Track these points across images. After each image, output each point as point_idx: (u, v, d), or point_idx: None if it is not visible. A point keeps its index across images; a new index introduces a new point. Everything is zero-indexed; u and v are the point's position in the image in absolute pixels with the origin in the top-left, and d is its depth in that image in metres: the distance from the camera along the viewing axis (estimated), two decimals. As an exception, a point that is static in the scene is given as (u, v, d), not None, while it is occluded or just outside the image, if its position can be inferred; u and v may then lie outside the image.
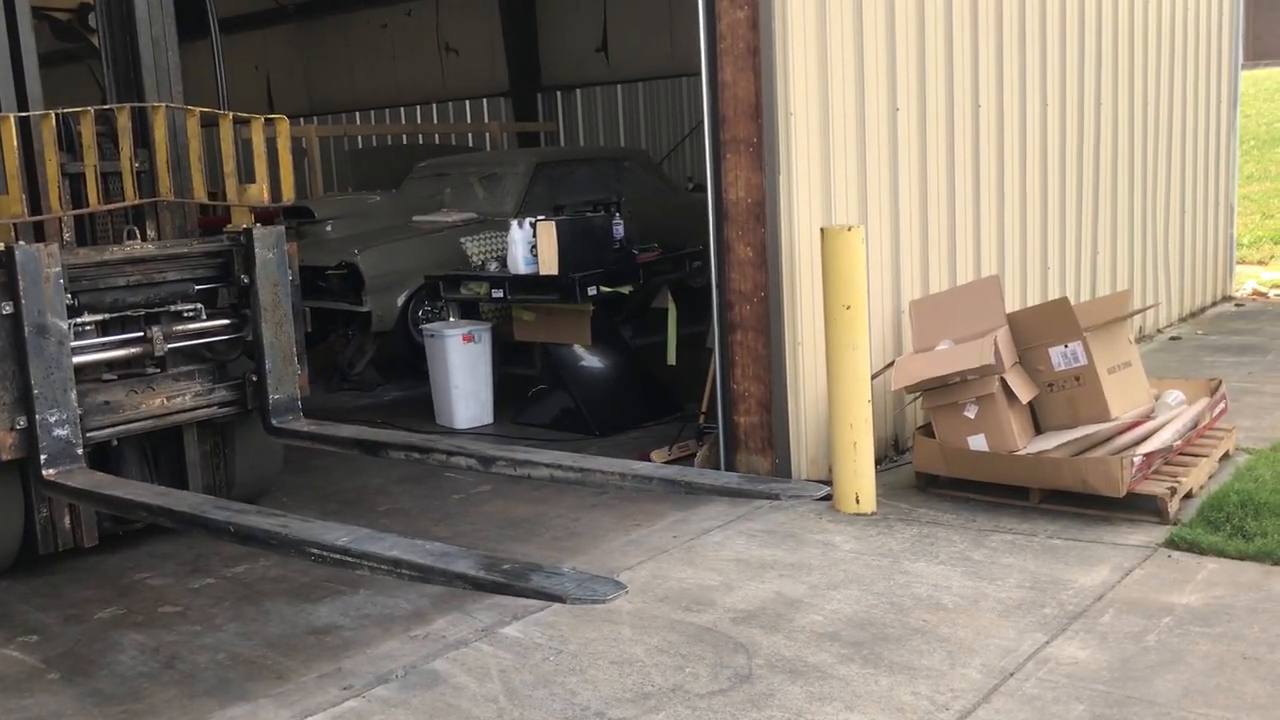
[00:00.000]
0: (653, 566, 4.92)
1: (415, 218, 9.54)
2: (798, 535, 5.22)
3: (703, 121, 5.91)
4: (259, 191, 5.45)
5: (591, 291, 7.22)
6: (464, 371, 7.74)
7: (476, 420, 7.77)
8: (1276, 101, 21.82)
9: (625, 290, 7.56)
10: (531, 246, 7.32)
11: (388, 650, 4.23)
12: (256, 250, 5.39)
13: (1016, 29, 7.36)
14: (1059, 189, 8.03)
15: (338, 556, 3.60)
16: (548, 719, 3.65)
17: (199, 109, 5.42)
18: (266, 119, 5.40)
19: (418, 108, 16.64)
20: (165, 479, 5.48)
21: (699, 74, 5.88)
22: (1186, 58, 10.04)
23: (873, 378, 5.72)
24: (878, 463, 6.02)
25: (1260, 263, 13.70)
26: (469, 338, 7.73)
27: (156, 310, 5.29)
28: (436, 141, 14.91)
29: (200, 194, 5.52)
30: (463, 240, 9.04)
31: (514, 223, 7.53)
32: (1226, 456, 5.96)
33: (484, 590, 3.45)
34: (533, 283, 7.35)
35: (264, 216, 5.83)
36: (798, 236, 5.75)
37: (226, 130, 5.41)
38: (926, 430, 5.83)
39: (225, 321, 5.52)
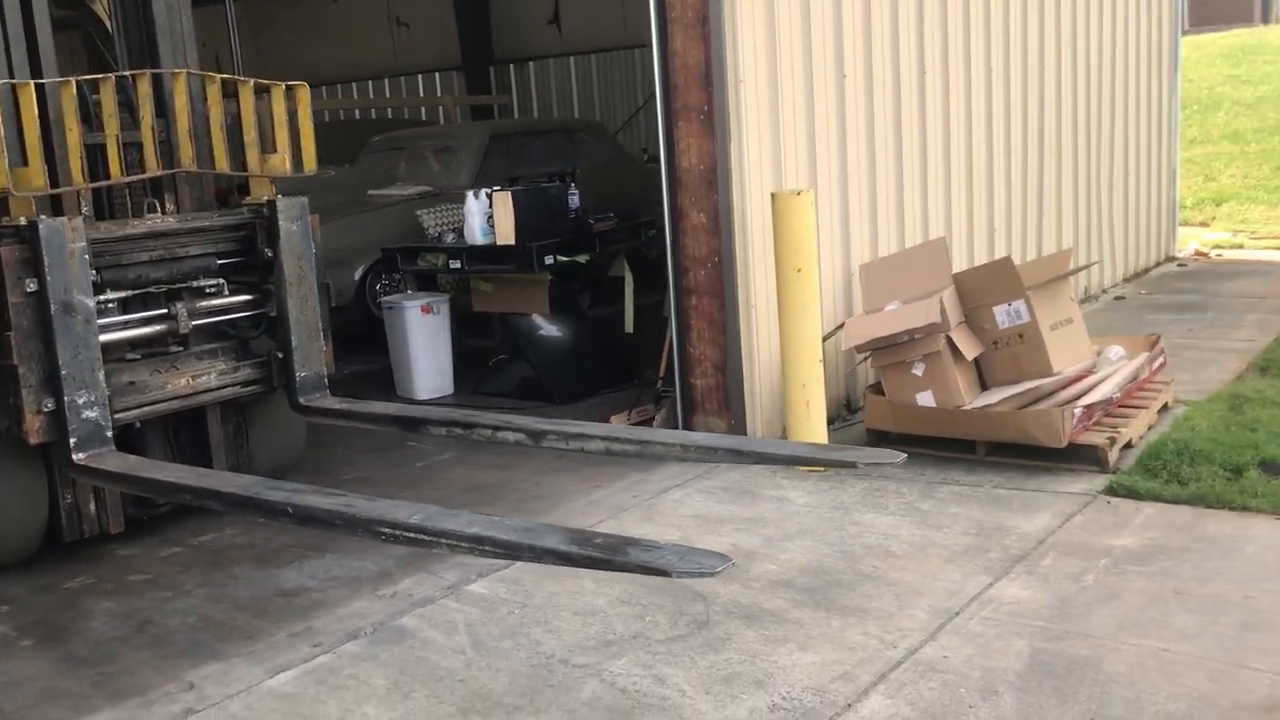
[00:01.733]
0: (613, 524, 5.06)
1: (370, 192, 9.58)
2: (754, 491, 5.38)
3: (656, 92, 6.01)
4: (281, 161, 5.28)
5: (548, 261, 7.31)
6: (423, 343, 7.81)
7: (437, 391, 7.85)
8: (1218, 66, 22.23)
9: (582, 259, 7.66)
10: (488, 217, 7.40)
11: (356, 609, 4.35)
12: (281, 222, 5.20)
13: (960, -4, 7.52)
14: (1004, 153, 8.21)
15: (412, 535, 3.43)
16: (514, 667, 3.78)
17: (220, 76, 5.23)
18: (287, 86, 5.25)
19: (369, 83, 16.58)
20: (188, 461, 5.31)
21: (652, 44, 5.97)
22: (1129, 23, 10.26)
23: (824, 339, 5.89)
24: (831, 422, 6.21)
25: (1202, 224, 14.03)
26: (428, 309, 7.80)
27: (178, 286, 5.11)
28: (389, 116, 14.88)
29: (223, 164, 5.33)
30: (419, 213, 9.08)
31: (470, 193, 7.59)
32: (1165, 408, 6.18)
33: (578, 566, 3.32)
34: (490, 253, 7.43)
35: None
36: (750, 202, 5.88)
37: (247, 98, 5.22)
38: (877, 389, 6.00)
39: (248, 297, 5.35)
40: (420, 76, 16.06)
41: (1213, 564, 4.26)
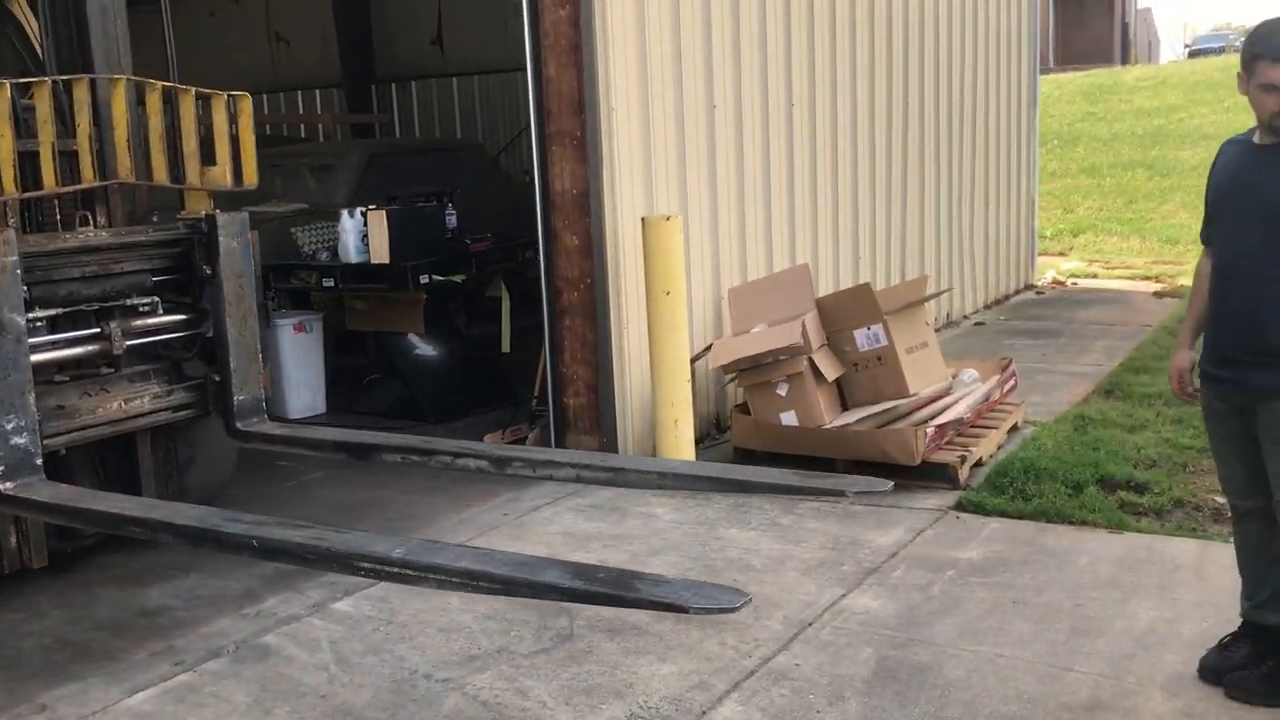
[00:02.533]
0: (482, 542, 5.11)
1: (245, 208, 9.44)
2: (622, 509, 5.50)
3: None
4: (222, 174, 5.07)
5: (423, 280, 7.35)
6: (296, 361, 7.75)
7: (309, 410, 7.79)
8: (1078, 104, 23.33)
9: (457, 279, 7.71)
10: (363, 235, 7.40)
11: (220, 628, 4.32)
12: (220, 238, 4.87)
13: (827, 31, 7.81)
14: (869, 184, 8.53)
15: (396, 570, 3.17)
16: (377, 683, 3.82)
17: (161, 83, 4.99)
18: (229, 96, 5.08)
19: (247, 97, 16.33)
20: (114, 489, 4.92)
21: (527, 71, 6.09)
22: (989, 62, 10.75)
23: (694, 360, 6.06)
24: (701, 441, 6.37)
25: (1060, 254, 14.70)
26: (300, 328, 7.75)
27: (110, 305, 4.75)
28: (268, 132, 14.68)
29: (162, 176, 5.06)
30: (293, 230, 8.98)
31: (345, 212, 7.59)
32: (1015, 428, 6.50)
33: (581, 602, 3.08)
34: (364, 271, 7.43)
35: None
36: (621, 226, 6.02)
37: (188, 107, 5.00)
38: (744, 408, 6.18)
39: (184, 316, 5.01)
40: (300, 93, 15.89)
41: (1049, 575, 4.52)
